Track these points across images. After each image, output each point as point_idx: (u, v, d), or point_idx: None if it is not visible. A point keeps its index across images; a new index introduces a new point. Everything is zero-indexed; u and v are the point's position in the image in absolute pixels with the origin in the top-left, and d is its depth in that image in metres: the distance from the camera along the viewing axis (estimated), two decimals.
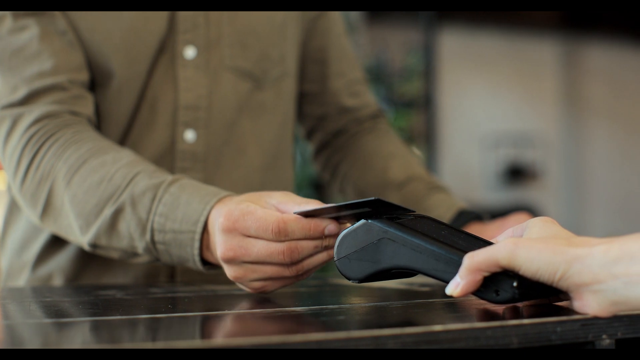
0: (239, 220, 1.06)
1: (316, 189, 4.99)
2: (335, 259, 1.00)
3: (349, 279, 0.99)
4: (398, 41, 6.16)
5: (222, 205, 1.15)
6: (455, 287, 0.89)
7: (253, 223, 1.05)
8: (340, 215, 1.02)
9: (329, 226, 1.04)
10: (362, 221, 0.97)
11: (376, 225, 0.96)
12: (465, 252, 0.90)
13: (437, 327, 0.79)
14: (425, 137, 6.05)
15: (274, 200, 1.10)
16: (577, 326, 0.84)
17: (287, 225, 1.04)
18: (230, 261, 1.08)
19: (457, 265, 0.90)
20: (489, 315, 0.90)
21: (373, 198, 0.95)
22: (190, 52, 1.43)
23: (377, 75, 5.81)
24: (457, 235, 0.97)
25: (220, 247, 1.08)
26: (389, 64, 6.03)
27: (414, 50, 6.10)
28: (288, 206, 1.08)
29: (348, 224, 1.02)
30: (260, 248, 1.05)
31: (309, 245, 1.05)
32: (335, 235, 1.03)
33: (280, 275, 1.07)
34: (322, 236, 1.05)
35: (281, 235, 1.04)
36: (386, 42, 6.09)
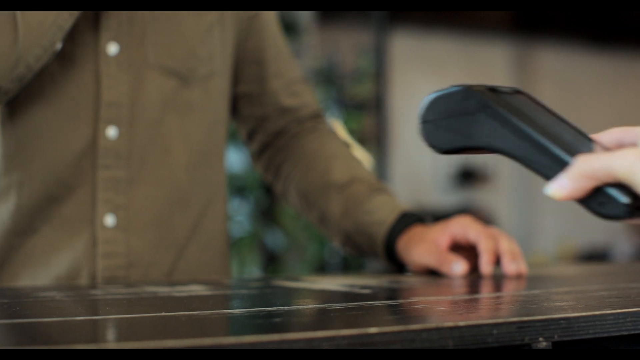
0: None
1: (266, 191, 4.99)
2: (419, 121, 0.90)
3: (432, 147, 0.89)
4: (349, 43, 6.16)
5: None
6: (560, 189, 0.81)
7: None
8: None
9: None
10: (461, 86, 0.88)
11: (477, 95, 0.86)
12: (576, 152, 0.80)
13: (372, 330, 0.79)
14: (376, 139, 6.05)
15: None
16: (514, 328, 0.84)
17: None
18: None
19: (563, 164, 0.80)
20: (426, 318, 0.90)
21: None
22: (113, 49, 1.42)
23: (328, 77, 5.81)
24: (561, 126, 0.84)
25: None
26: (340, 65, 6.03)
27: (365, 52, 6.10)
28: None
29: None
30: None
31: None
32: None
33: None
34: None
35: None
36: (337, 43, 6.09)
